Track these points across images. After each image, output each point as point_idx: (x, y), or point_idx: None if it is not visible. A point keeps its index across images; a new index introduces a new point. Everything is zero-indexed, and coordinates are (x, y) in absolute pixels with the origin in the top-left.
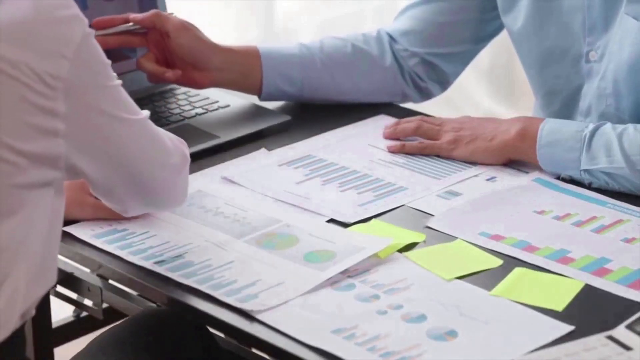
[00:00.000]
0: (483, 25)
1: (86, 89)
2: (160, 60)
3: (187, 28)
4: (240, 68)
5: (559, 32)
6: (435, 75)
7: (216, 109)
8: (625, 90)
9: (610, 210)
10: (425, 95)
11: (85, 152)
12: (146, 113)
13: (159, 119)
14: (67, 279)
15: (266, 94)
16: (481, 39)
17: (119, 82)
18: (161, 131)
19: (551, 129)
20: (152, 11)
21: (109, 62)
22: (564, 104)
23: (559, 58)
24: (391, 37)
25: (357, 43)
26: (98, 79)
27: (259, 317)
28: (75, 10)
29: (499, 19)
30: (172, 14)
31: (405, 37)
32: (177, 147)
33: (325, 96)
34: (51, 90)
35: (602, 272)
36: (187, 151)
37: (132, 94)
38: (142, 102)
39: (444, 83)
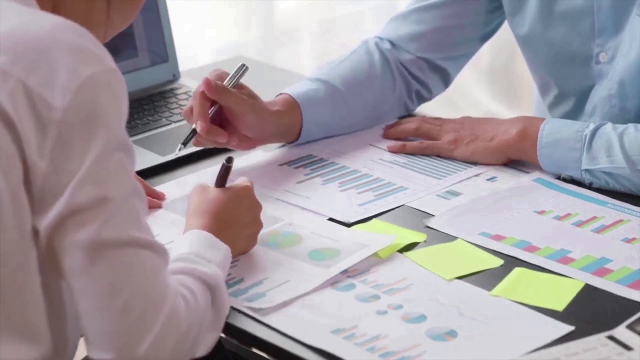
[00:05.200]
0: (488, 24)
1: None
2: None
3: (252, 104)
4: (288, 127)
5: (566, 35)
6: (441, 78)
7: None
8: (631, 92)
9: (611, 210)
10: (426, 100)
11: None
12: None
13: (159, 119)
14: None
15: (299, 141)
16: (486, 36)
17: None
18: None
19: (551, 129)
20: (219, 85)
21: (131, 145)
22: (574, 105)
23: (568, 60)
24: (395, 46)
25: (370, 72)
26: (89, 134)
27: (259, 317)
28: (97, 50)
29: (502, 16)
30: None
31: (414, 43)
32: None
33: (342, 132)
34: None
35: (602, 272)
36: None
37: (132, 94)
38: (142, 102)
39: (447, 83)
